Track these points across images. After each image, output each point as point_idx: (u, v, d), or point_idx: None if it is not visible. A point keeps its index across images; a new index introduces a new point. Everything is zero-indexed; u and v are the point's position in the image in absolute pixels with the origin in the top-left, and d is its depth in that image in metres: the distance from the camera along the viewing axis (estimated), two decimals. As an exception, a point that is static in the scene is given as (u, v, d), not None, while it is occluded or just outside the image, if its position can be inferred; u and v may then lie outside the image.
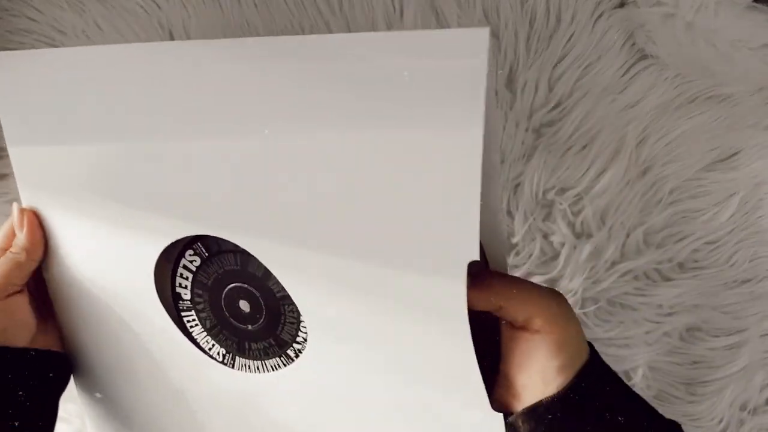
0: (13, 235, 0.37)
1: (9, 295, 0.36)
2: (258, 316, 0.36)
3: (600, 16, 0.49)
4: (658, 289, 0.52)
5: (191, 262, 0.36)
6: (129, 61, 0.32)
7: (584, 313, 0.52)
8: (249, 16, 0.50)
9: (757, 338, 0.53)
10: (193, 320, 0.38)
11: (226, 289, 0.36)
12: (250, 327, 0.36)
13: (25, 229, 0.36)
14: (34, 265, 0.37)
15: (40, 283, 0.39)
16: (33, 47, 0.52)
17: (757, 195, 0.51)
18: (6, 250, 0.37)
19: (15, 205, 0.36)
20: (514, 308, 0.30)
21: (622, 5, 0.49)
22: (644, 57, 0.50)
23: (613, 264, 0.52)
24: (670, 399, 0.54)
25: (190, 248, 0.36)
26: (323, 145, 0.29)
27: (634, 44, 0.50)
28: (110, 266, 0.37)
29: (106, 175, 0.34)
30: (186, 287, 0.37)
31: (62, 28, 0.51)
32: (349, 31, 0.50)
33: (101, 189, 0.34)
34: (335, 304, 0.32)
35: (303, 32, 0.51)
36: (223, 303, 0.37)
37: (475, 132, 0.25)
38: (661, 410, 0.31)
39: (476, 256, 0.27)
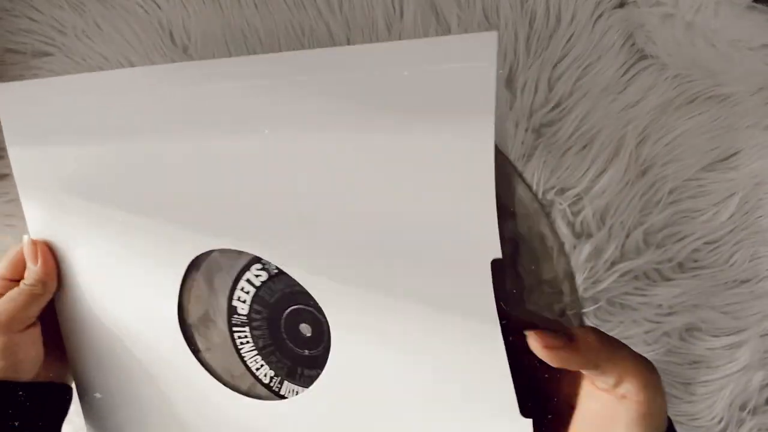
0: (21, 265, 0.36)
1: (25, 328, 0.36)
2: (318, 342, 0.34)
3: (600, 16, 0.49)
4: (658, 289, 0.52)
5: (257, 276, 0.35)
6: (132, 83, 0.32)
7: (584, 313, 0.52)
8: (249, 16, 0.50)
9: (756, 338, 0.53)
10: (245, 337, 0.36)
11: (289, 310, 0.34)
12: (306, 352, 0.35)
13: (39, 262, 0.36)
14: (49, 297, 0.37)
15: (48, 313, 0.38)
16: (33, 47, 0.52)
17: (756, 195, 0.51)
18: (12, 281, 0.36)
19: (26, 238, 0.37)
20: (608, 369, 0.28)
21: (622, 5, 0.49)
22: (644, 57, 0.50)
23: (613, 264, 0.52)
24: (669, 399, 0.54)
25: (258, 262, 0.34)
26: (340, 152, 0.29)
27: (633, 44, 0.50)
28: (122, 291, 0.36)
29: (110, 179, 0.34)
30: (245, 301, 0.35)
31: (62, 28, 0.51)
32: (349, 30, 0.50)
33: (104, 194, 0.34)
34: (359, 311, 0.31)
35: (303, 32, 0.51)
36: (282, 323, 0.35)
37: (486, 133, 0.26)
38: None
39: (498, 254, 0.27)
